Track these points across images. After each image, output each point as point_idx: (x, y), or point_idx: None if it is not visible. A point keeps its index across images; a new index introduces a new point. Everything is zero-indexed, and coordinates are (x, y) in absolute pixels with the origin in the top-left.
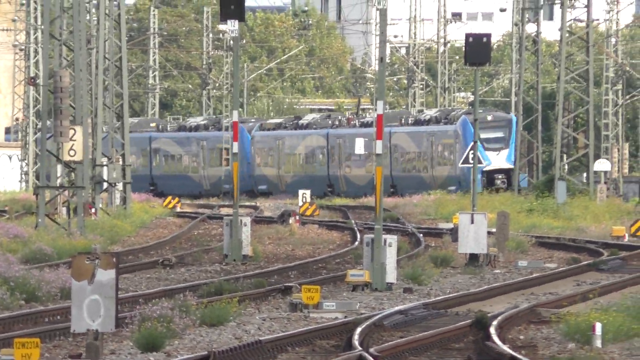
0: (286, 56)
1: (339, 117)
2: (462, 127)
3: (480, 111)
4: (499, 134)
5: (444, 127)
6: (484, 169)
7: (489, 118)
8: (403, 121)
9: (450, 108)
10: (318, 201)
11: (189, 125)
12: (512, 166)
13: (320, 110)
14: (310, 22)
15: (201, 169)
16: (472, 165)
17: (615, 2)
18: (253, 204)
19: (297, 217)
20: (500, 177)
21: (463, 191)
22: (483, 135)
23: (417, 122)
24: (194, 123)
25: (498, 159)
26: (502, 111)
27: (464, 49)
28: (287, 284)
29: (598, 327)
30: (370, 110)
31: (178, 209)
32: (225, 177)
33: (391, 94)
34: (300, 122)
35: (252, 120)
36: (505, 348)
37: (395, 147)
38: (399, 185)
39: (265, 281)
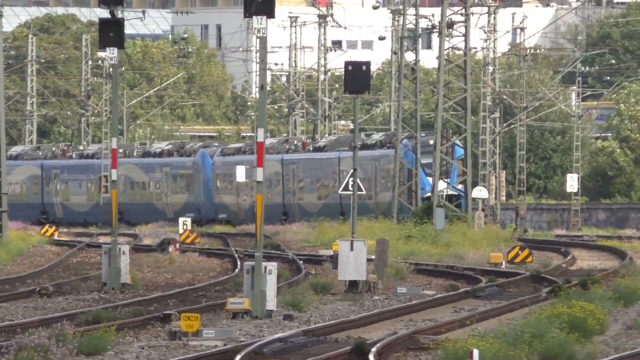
0: (165, 83)
1: (295, 142)
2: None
3: (423, 135)
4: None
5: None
6: (425, 196)
7: (431, 142)
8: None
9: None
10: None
11: (154, 151)
12: (454, 192)
13: (200, 137)
14: (189, 49)
15: (164, 196)
16: (351, 192)
17: (492, 31)
18: (132, 231)
19: (177, 245)
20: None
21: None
22: (424, 160)
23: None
24: (159, 149)
25: (439, 185)
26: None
27: (343, 77)
28: (166, 312)
29: (475, 353)
30: (326, 134)
31: (56, 237)
32: (186, 205)
33: (272, 121)
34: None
35: (216, 144)
36: None
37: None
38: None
39: (144, 309)
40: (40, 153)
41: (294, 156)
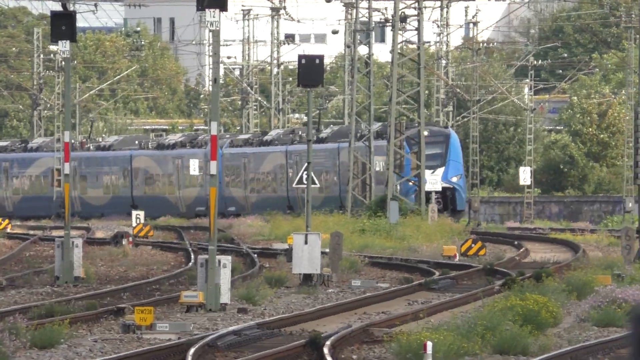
0: (118, 77)
1: (301, 132)
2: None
3: (417, 125)
4: (436, 150)
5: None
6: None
7: (425, 133)
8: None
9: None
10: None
11: (167, 142)
12: (449, 185)
13: (153, 130)
14: (142, 42)
15: (177, 189)
16: (305, 185)
17: (445, 25)
18: (85, 225)
19: (130, 239)
20: (435, 197)
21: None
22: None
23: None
24: (172, 140)
25: (434, 178)
26: (440, 126)
27: (297, 71)
28: (119, 306)
29: (429, 346)
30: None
31: (9, 230)
32: (197, 199)
33: (225, 114)
34: (265, 138)
35: (227, 135)
36: None
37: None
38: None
39: (98, 303)
40: (59, 145)
41: (299, 147)
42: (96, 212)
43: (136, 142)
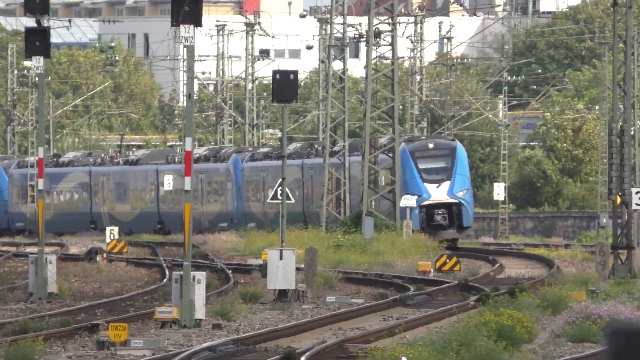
0: (92, 92)
1: (317, 146)
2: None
3: (423, 138)
4: (441, 164)
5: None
6: (422, 204)
7: (430, 146)
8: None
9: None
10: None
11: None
12: (455, 200)
13: (127, 146)
14: (116, 58)
15: (200, 205)
16: (280, 201)
17: (419, 41)
18: (59, 241)
19: (105, 255)
20: (440, 212)
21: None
22: (422, 166)
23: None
24: (196, 154)
25: (438, 192)
26: (446, 138)
27: (271, 86)
28: (94, 322)
29: None
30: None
31: None
32: (219, 214)
33: (200, 130)
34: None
35: (250, 149)
36: None
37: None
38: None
39: (72, 319)
40: (90, 159)
41: (314, 160)
42: (124, 229)
43: (165, 155)
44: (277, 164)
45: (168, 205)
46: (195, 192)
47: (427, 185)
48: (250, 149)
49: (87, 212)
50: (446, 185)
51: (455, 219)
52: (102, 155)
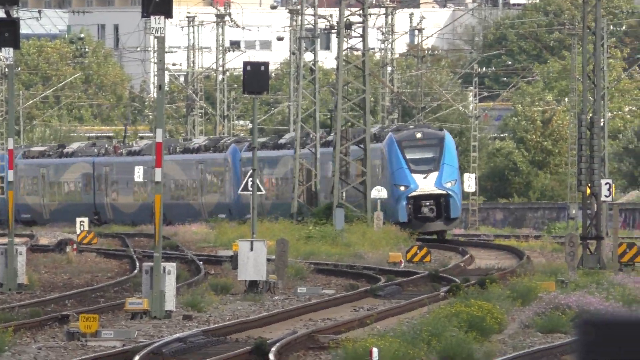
0: (62, 84)
1: (311, 135)
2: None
3: (411, 127)
4: (428, 154)
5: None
6: (409, 195)
7: (418, 135)
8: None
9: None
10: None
11: (192, 147)
12: (442, 191)
13: (97, 137)
14: (86, 49)
15: (200, 195)
16: (251, 192)
17: (390, 32)
18: (29, 232)
19: (75, 246)
20: (428, 204)
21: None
22: (410, 156)
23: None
24: (196, 144)
25: (426, 183)
26: (434, 128)
27: (242, 78)
28: (64, 313)
29: (375, 352)
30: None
31: None
32: (218, 205)
33: (170, 121)
34: (280, 141)
35: (248, 139)
36: None
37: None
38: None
39: (42, 310)
40: (95, 150)
41: (308, 151)
42: (127, 220)
43: (167, 146)
44: (273, 154)
45: (170, 196)
46: (194, 182)
47: (414, 175)
48: (249, 138)
49: (90, 203)
50: (434, 176)
51: (443, 211)
52: (106, 145)
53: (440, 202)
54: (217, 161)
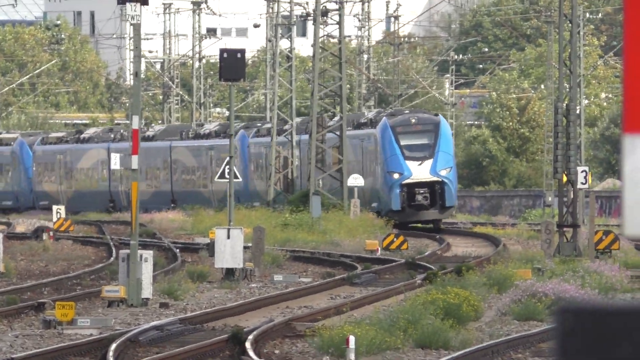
0: (38, 70)
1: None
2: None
3: (406, 112)
4: (423, 141)
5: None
6: (403, 182)
7: (413, 121)
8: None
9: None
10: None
11: (203, 132)
12: (437, 179)
13: (74, 125)
14: (62, 35)
15: (209, 182)
16: (227, 180)
17: (367, 19)
18: (5, 220)
19: (51, 233)
20: (422, 192)
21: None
22: (404, 142)
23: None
24: (207, 130)
25: (420, 170)
26: (430, 113)
27: (219, 65)
28: (40, 301)
29: (352, 340)
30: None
31: None
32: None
33: (147, 108)
34: (285, 127)
35: (259, 124)
36: None
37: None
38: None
39: (18, 298)
40: (111, 135)
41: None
42: (141, 208)
43: (179, 131)
44: (279, 141)
45: (180, 184)
46: (205, 169)
47: (408, 162)
48: (259, 123)
49: (106, 190)
50: (429, 163)
51: (438, 199)
52: (121, 131)
53: (435, 190)
54: (226, 147)
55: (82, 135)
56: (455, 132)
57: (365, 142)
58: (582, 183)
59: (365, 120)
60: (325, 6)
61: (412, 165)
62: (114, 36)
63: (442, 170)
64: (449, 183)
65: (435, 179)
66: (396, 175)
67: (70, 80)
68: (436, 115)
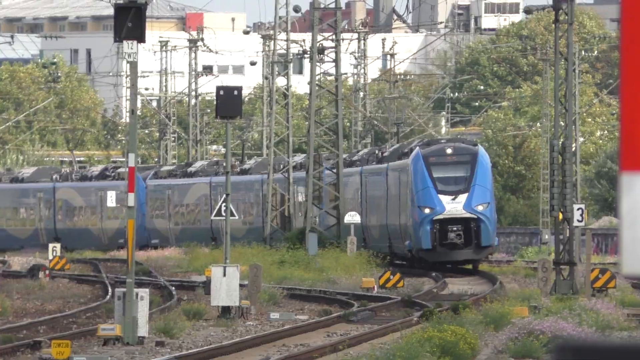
0: (34, 108)
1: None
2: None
3: (443, 141)
4: (458, 173)
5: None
6: (434, 218)
7: (448, 151)
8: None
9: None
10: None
11: (189, 171)
12: (472, 215)
13: (70, 163)
14: (59, 73)
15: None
16: (224, 218)
17: (363, 57)
18: (1, 258)
19: (47, 271)
20: (455, 229)
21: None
22: (437, 174)
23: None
24: (194, 168)
25: (454, 206)
26: (468, 142)
27: (215, 102)
28: (36, 339)
29: None
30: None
31: None
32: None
33: (143, 146)
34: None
35: (159, 165)
36: None
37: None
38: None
39: (14, 336)
40: (215, 168)
41: (372, 167)
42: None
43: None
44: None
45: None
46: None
47: (441, 197)
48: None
49: (207, 227)
50: (464, 197)
51: (473, 237)
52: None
53: (470, 227)
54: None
55: (189, 169)
56: None
57: (400, 174)
58: (579, 220)
59: (407, 150)
60: (321, 44)
61: (445, 199)
62: (111, 74)
63: (478, 205)
64: (486, 220)
65: (470, 215)
66: (427, 210)
67: (67, 118)
68: (475, 145)
